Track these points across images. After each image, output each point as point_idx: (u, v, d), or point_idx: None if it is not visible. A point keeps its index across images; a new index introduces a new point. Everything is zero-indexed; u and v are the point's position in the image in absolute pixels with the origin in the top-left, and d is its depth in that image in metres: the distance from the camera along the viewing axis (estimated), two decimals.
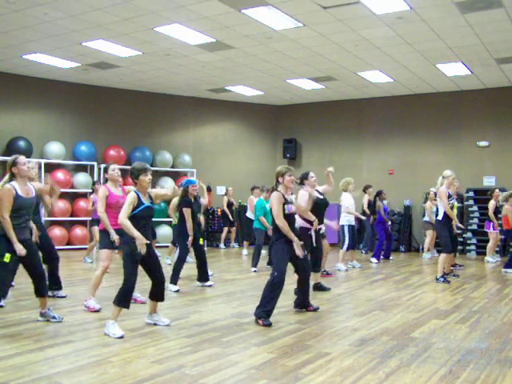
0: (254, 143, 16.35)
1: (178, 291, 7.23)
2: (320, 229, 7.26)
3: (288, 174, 5.63)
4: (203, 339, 4.76)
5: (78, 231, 13.01)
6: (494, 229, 11.08)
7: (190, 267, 9.02)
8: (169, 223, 12.28)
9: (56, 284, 6.66)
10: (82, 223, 13.16)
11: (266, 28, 9.17)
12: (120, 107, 14.26)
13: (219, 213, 14.63)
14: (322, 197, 7.34)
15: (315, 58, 11.04)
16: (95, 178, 12.92)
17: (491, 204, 10.93)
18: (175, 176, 14.76)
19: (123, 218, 4.82)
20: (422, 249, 13.22)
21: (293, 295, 6.63)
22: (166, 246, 11.83)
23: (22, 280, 6.84)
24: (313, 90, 14.10)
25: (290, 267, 5.81)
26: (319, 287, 7.43)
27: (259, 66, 11.78)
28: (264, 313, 5.37)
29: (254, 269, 9.57)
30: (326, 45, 10.12)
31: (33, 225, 5.44)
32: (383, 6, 8.12)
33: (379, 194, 11.51)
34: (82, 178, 13.19)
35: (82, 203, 13.04)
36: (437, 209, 8.62)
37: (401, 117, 14.70)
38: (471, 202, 13.43)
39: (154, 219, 5.42)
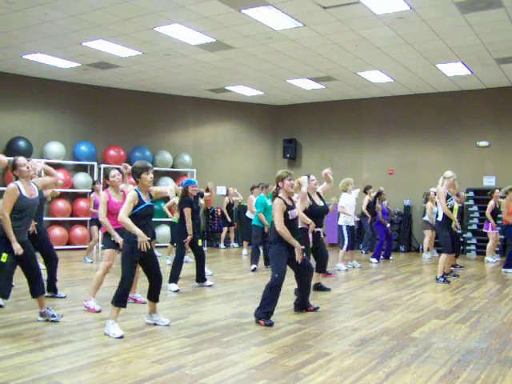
0: (254, 143, 16.35)
1: (177, 291, 7.23)
2: (318, 231, 7.27)
3: (288, 178, 5.62)
4: (203, 339, 4.76)
5: (78, 231, 13.01)
6: (492, 229, 11.08)
7: (190, 267, 9.02)
8: (168, 223, 12.28)
9: (52, 288, 6.63)
10: (82, 223, 13.16)
11: (265, 28, 9.17)
12: (120, 107, 14.26)
13: (219, 213, 14.64)
14: (322, 204, 7.27)
15: (315, 58, 11.04)
16: (95, 178, 12.92)
17: (490, 204, 10.92)
18: (175, 176, 14.77)
19: (123, 217, 4.82)
20: (422, 249, 13.22)
21: (293, 295, 6.63)
22: (166, 246, 11.83)
23: (22, 280, 6.82)
24: (313, 90, 14.10)
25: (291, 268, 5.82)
26: (319, 287, 7.43)
27: (259, 66, 11.78)
28: (264, 314, 5.37)
29: (253, 266, 9.56)
30: (326, 45, 10.12)
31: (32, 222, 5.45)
32: (383, 5, 8.13)
33: (379, 194, 11.51)
34: (81, 178, 13.20)
35: (82, 203, 13.05)
36: (437, 209, 8.62)
37: (401, 117, 14.70)
38: (471, 201, 13.43)
39: (153, 219, 5.39)
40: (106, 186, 6.18)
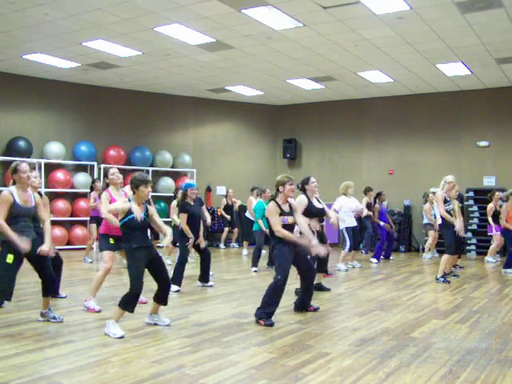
0: (254, 143, 16.35)
1: (178, 291, 7.23)
2: (318, 231, 7.26)
3: (289, 183, 5.61)
4: (203, 339, 4.76)
5: (78, 231, 13.01)
6: (497, 230, 11.02)
7: (191, 267, 9.04)
8: (169, 223, 12.25)
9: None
10: (82, 223, 13.15)
11: (265, 28, 9.17)
12: (120, 107, 14.26)
13: (219, 213, 14.64)
14: (320, 206, 7.26)
15: (315, 58, 11.04)
16: (95, 177, 12.92)
17: (489, 207, 10.89)
18: (175, 176, 14.77)
19: (106, 213, 5.11)
20: (423, 249, 13.22)
21: (293, 295, 6.63)
22: (167, 247, 11.81)
23: (23, 280, 6.84)
24: (313, 90, 14.10)
25: (292, 269, 5.81)
26: (319, 287, 7.42)
27: (259, 66, 11.78)
28: (265, 314, 5.37)
29: (254, 268, 9.57)
30: (326, 45, 10.12)
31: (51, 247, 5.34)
32: (383, 5, 8.13)
33: (379, 195, 11.51)
34: (81, 178, 13.19)
35: (81, 203, 13.04)
36: (435, 212, 8.64)
37: (401, 117, 14.70)
38: (471, 202, 13.44)
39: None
40: (106, 186, 6.17)
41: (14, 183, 5.00)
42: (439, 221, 8.37)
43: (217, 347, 4.51)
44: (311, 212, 6.92)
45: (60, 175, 12.87)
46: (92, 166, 13.52)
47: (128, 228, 4.91)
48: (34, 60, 11.41)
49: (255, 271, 9.49)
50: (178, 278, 7.33)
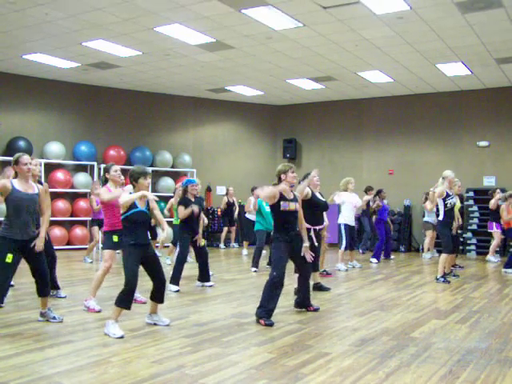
0: (254, 143, 16.35)
1: (178, 291, 7.23)
2: (320, 229, 7.28)
3: (290, 170, 5.68)
4: (203, 339, 4.76)
5: (78, 231, 13.01)
6: (497, 228, 11.02)
7: (191, 267, 9.03)
8: (169, 223, 12.25)
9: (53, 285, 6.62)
10: (82, 223, 13.16)
11: (265, 28, 9.17)
12: (120, 107, 14.26)
13: (219, 213, 14.64)
14: (323, 199, 7.34)
15: (315, 58, 11.04)
16: (95, 178, 12.93)
17: (493, 203, 10.88)
18: (175, 176, 14.77)
19: (122, 199, 4.91)
20: (422, 249, 13.22)
21: (293, 295, 6.63)
22: (166, 246, 11.83)
23: (22, 280, 6.85)
24: (313, 90, 14.10)
25: (290, 267, 5.82)
26: (319, 287, 7.42)
27: (259, 66, 11.78)
28: (265, 313, 5.38)
29: (254, 268, 9.57)
30: (326, 45, 10.12)
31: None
32: (383, 5, 8.13)
33: (379, 192, 11.53)
34: (81, 178, 13.19)
35: (81, 203, 13.05)
36: (437, 209, 8.63)
37: (401, 117, 14.70)
38: (471, 202, 13.44)
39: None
40: (105, 182, 6.13)
41: (16, 176, 5.01)
42: (441, 217, 8.34)
43: (217, 347, 4.51)
44: (315, 204, 6.95)
45: (60, 175, 12.87)
46: (92, 166, 13.52)
47: (130, 222, 4.92)
48: (34, 60, 11.41)
49: (255, 271, 9.49)
50: (177, 277, 7.32)
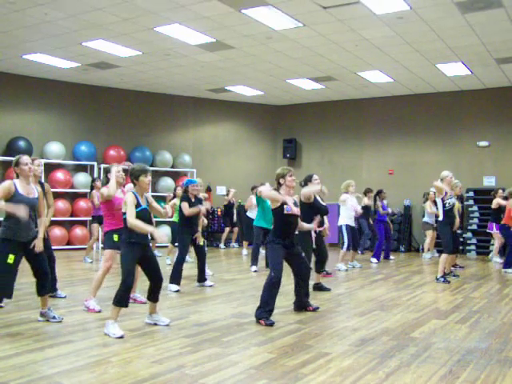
0: (254, 143, 16.35)
1: (178, 291, 7.23)
2: (320, 231, 7.27)
3: (289, 174, 5.68)
4: (203, 339, 4.76)
5: (78, 231, 13.01)
6: (497, 229, 11.02)
7: (191, 267, 9.03)
8: (169, 223, 12.28)
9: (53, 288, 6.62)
10: (82, 223, 13.16)
11: (265, 28, 9.17)
12: (120, 107, 14.26)
13: (219, 213, 14.63)
14: (324, 204, 7.34)
15: (315, 58, 11.04)
16: (95, 176, 12.92)
17: (496, 202, 10.87)
18: (175, 176, 14.77)
19: (132, 220, 4.83)
20: (422, 249, 13.22)
21: (293, 295, 6.63)
22: (166, 246, 11.83)
23: (23, 280, 6.84)
24: (313, 89, 14.10)
25: (289, 267, 5.82)
26: (319, 287, 7.43)
27: (259, 66, 11.78)
28: (265, 313, 5.38)
29: (254, 268, 9.56)
30: (326, 45, 10.12)
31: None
32: (383, 5, 8.13)
33: (379, 193, 11.53)
34: (81, 178, 13.19)
35: (81, 203, 13.05)
36: (437, 209, 8.63)
37: (401, 117, 14.70)
38: (471, 202, 13.43)
39: (154, 219, 5.37)
40: (106, 182, 6.14)
41: (17, 177, 5.01)
42: (441, 217, 8.35)
43: (217, 347, 4.51)
44: (317, 208, 6.95)
45: (60, 175, 12.87)
46: (92, 166, 13.52)
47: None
48: (34, 60, 11.41)
49: (255, 271, 9.49)
50: (176, 277, 7.32)
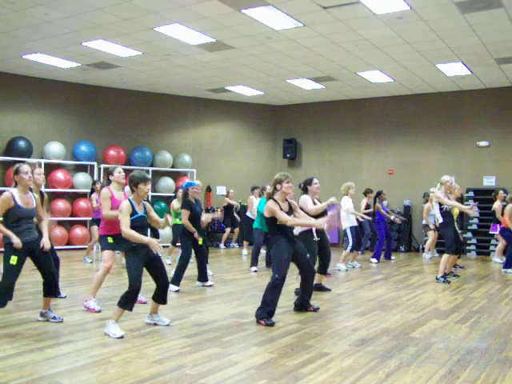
0: (254, 143, 16.34)
1: (178, 291, 7.23)
2: (322, 231, 7.26)
3: (286, 181, 5.63)
4: (203, 339, 4.76)
5: (78, 231, 13.00)
6: (499, 231, 11.00)
7: (190, 267, 9.02)
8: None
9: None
10: (82, 223, 13.16)
11: (266, 28, 9.17)
12: (120, 107, 14.26)
13: (219, 213, 14.63)
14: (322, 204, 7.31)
15: (315, 58, 11.04)
16: (95, 178, 12.93)
17: (497, 205, 10.88)
18: (175, 176, 14.77)
19: (126, 230, 4.82)
20: (422, 249, 13.22)
21: (293, 295, 6.63)
22: (167, 246, 11.82)
23: (22, 280, 6.83)
24: (313, 89, 14.10)
25: (292, 268, 5.81)
26: (320, 288, 7.42)
27: (259, 66, 11.78)
28: (266, 313, 5.38)
29: (254, 268, 9.57)
30: (326, 45, 10.12)
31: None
32: (383, 5, 8.12)
33: (379, 194, 11.53)
34: (81, 178, 13.19)
35: (82, 203, 13.04)
36: (435, 212, 8.65)
37: (401, 117, 14.70)
38: (471, 202, 13.41)
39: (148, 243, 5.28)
40: (108, 183, 6.15)
41: (16, 186, 5.01)
42: (440, 220, 8.38)
43: (217, 347, 4.51)
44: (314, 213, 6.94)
45: (60, 175, 12.86)
46: (92, 166, 13.52)
47: (131, 228, 4.91)
48: (34, 60, 11.41)
49: (255, 271, 9.49)
50: (177, 278, 7.32)
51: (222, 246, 14.50)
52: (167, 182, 14.41)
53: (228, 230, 14.34)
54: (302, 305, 6.04)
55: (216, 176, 15.49)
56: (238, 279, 8.70)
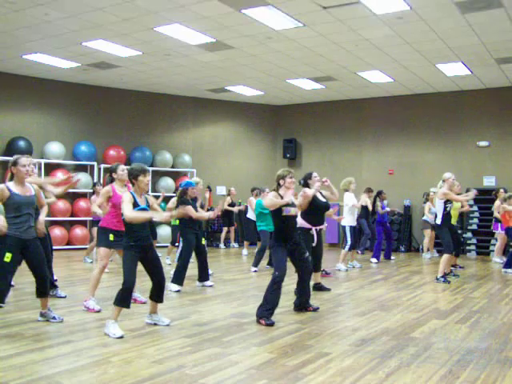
0: (254, 143, 16.35)
1: (178, 291, 7.23)
2: (321, 229, 7.27)
3: (289, 176, 5.70)
4: (203, 339, 4.76)
5: (78, 231, 13.01)
6: (502, 229, 11.03)
7: (190, 267, 9.01)
8: (168, 223, 12.29)
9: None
10: (82, 223, 13.16)
11: (266, 28, 9.17)
12: (120, 107, 14.26)
13: (219, 213, 14.61)
14: (324, 200, 7.33)
15: (315, 58, 11.04)
16: (95, 178, 12.93)
17: (497, 204, 10.90)
18: (175, 176, 14.77)
19: (129, 213, 4.81)
20: (422, 249, 13.22)
21: (293, 295, 6.63)
22: (166, 246, 11.82)
23: (22, 280, 6.85)
24: (313, 89, 14.10)
25: (291, 266, 5.82)
26: (319, 287, 7.42)
27: (259, 66, 11.78)
28: (266, 312, 5.39)
29: (254, 268, 9.56)
30: (326, 45, 10.12)
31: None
32: (383, 5, 8.12)
33: (379, 194, 11.54)
34: (81, 178, 13.18)
35: (82, 203, 13.05)
36: (435, 210, 8.65)
37: (401, 117, 14.70)
38: (471, 202, 13.41)
39: (153, 219, 5.34)
40: (111, 181, 6.12)
41: (12, 178, 5.00)
42: (439, 220, 8.37)
43: (217, 347, 4.51)
44: (317, 206, 6.96)
45: (60, 175, 12.84)
46: (92, 166, 13.52)
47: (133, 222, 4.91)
48: (34, 60, 11.41)
49: (255, 271, 9.49)
50: (179, 277, 7.30)
51: (221, 245, 14.50)
52: (167, 182, 14.41)
53: (225, 229, 14.34)
54: (302, 305, 6.04)
55: (216, 176, 15.49)
56: (238, 279, 8.70)
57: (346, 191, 10.04)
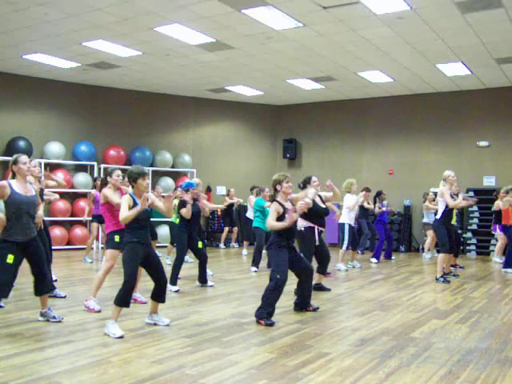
0: (254, 143, 16.35)
1: (177, 291, 7.23)
2: (321, 231, 7.26)
3: (285, 180, 5.68)
4: (203, 339, 4.76)
5: (78, 231, 13.01)
6: (500, 230, 11.04)
7: (190, 267, 9.03)
8: (168, 223, 12.29)
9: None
10: (82, 223, 13.15)
11: (266, 28, 9.17)
12: (120, 107, 14.26)
13: (219, 213, 14.63)
14: (323, 206, 7.28)
15: (315, 58, 11.04)
16: (95, 175, 12.92)
17: (496, 204, 10.89)
18: (175, 176, 14.77)
19: (121, 215, 4.84)
20: (422, 249, 13.22)
21: (293, 295, 6.63)
22: (166, 246, 11.83)
23: (22, 280, 6.85)
24: (313, 89, 14.10)
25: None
26: (320, 287, 7.42)
27: (259, 66, 11.78)
28: (266, 314, 5.38)
29: (254, 268, 9.56)
30: (326, 45, 10.12)
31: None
32: (383, 5, 8.12)
33: (379, 194, 11.54)
34: (81, 178, 13.19)
35: (82, 203, 13.04)
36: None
37: (401, 117, 14.70)
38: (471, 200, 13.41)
39: (153, 219, 5.37)
40: (104, 184, 6.13)
41: (13, 177, 5.01)
42: (438, 216, 8.36)
43: (217, 347, 4.51)
44: (316, 211, 6.95)
45: (60, 175, 12.84)
46: (92, 166, 13.52)
47: (132, 221, 4.91)
48: (34, 60, 11.41)
49: (255, 271, 9.49)
50: (172, 277, 7.31)
51: (221, 245, 14.50)
52: (167, 182, 14.40)
53: (226, 229, 14.34)
54: (302, 304, 6.04)
55: (216, 176, 15.49)
56: (237, 279, 8.70)
57: (347, 193, 10.04)
